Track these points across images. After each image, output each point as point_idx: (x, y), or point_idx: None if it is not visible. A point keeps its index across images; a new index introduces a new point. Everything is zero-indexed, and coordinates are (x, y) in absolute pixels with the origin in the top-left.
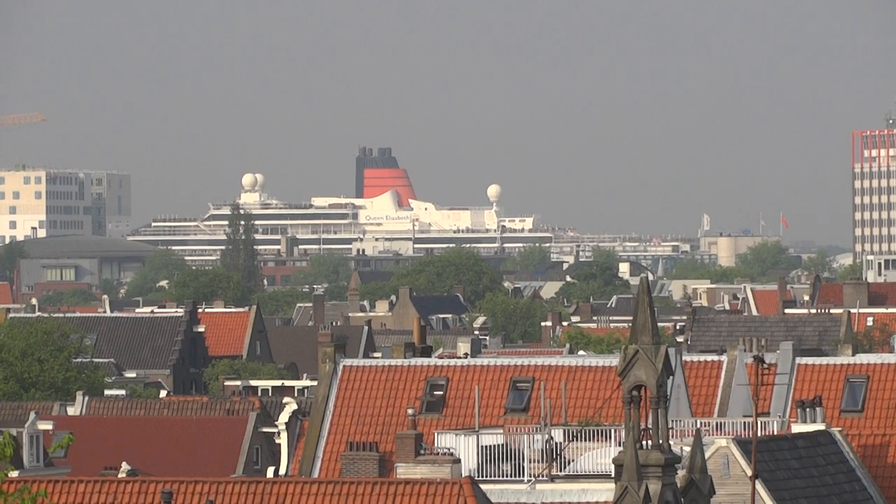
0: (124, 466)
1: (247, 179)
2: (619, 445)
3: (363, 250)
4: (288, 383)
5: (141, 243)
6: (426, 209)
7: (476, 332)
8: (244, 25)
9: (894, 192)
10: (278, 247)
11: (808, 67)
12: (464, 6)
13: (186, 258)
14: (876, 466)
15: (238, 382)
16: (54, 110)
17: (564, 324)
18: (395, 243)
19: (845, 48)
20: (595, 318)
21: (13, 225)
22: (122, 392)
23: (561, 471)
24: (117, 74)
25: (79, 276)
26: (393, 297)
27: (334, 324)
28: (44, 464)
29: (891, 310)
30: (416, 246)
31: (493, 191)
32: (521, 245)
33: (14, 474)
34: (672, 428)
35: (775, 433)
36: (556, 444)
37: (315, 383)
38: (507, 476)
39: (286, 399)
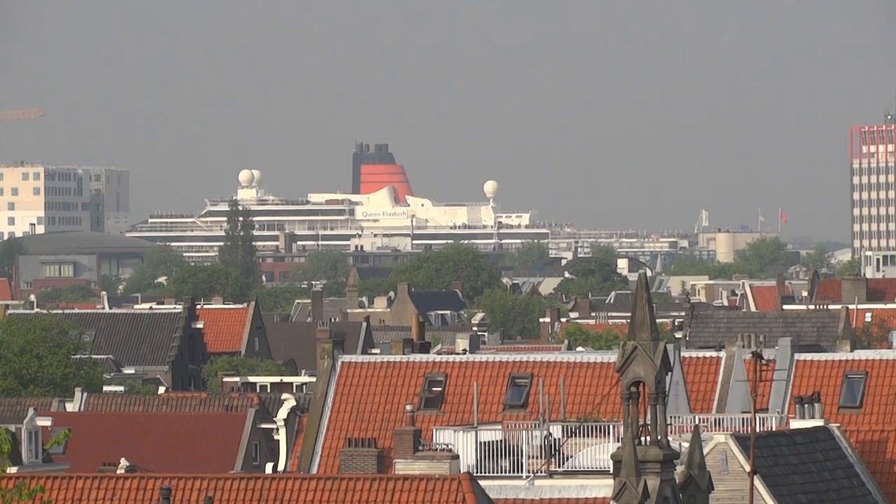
0: (123, 462)
1: (244, 176)
2: (618, 441)
3: (361, 246)
4: (286, 379)
5: (139, 239)
6: (423, 205)
7: (474, 329)
8: (241, 22)
9: (892, 187)
10: (277, 243)
11: (806, 63)
12: (461, 3)
13: (184, 254)
14: (874, 462)
15: (237, 379)
16: (53, 106)
17: (563, 320)
18: (393, 239)
19: (844, 44)
20: (593, 314)
21: (11, 221)
22: (121, 388)
23: (559, 467)
24: (115, 71)
25: (77, 273)
26: (391, 294)
27: (333, 320)
28: (42, 460)
29: (889, 305)
30: (414, 242)
31: (489, 187)
32: (517, 241)
33: (13, 470)
34: (670, 424)
35: (774, 429)
36: (555, 440)
37: (314, 379)
38: (505, 472)
39: (285, 395)
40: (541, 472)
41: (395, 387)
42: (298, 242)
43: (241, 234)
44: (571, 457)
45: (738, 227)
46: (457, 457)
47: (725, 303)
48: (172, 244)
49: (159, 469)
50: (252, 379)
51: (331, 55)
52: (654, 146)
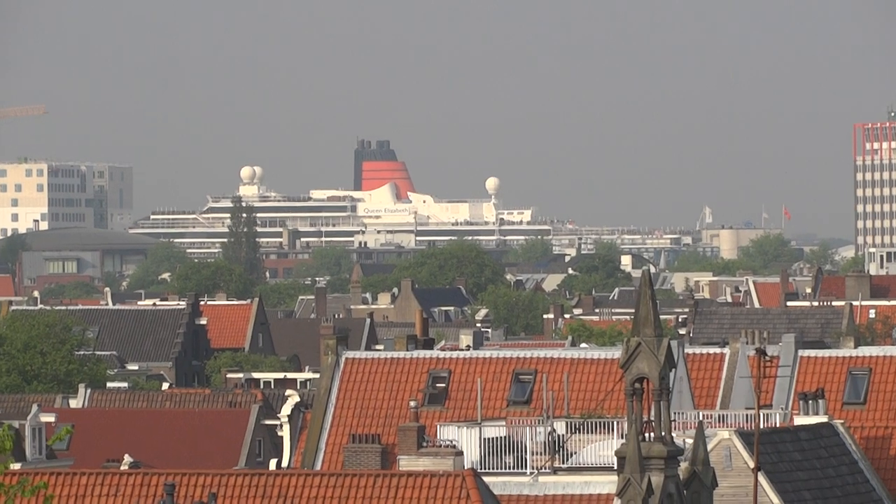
0: (127, 459)
1: (245, 172)
2: (622, 438)
3: (365, 243)
4: (290, 376)
5: (143, 236)
6: (424, 202)
7: (478, 325)
8: (243, 20)
9: None
10: (280, 240)
11: (810, 60)
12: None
13: (187, 251)
14: (878, 459)
15: (240, 375)
16: (56, 103)
17: (566, 316)
18: (396, 236)
19: (848, 41)
20: (597, 310)
21: (15, 217)
22: (125, 384)
23: (563, 463)
24: (118, 68)
25: (81, 269)
26: (395, 290)
27: (336, 316)
28: (46, 456)
29: (893, 302)
30: (418, 238)
31: (491, 183)
32: (518, 237)
33: (16, 467)
34: (674, 420)
35: (778, 425)
36: (559, 436)
37: (317, 376)
38: (509, 468)
39: (288, 391)
40: (545, 468)
41: (399, 383)
42: (302, 239)
43: (245, 230)
44: (575, 453)
45: (742, 223)
46: (461, 453)
47: (729, 299)
48: (176, 241)
49: (163, 465)
50: (256, 375)
51: (332, 52)
52: (656, 143)
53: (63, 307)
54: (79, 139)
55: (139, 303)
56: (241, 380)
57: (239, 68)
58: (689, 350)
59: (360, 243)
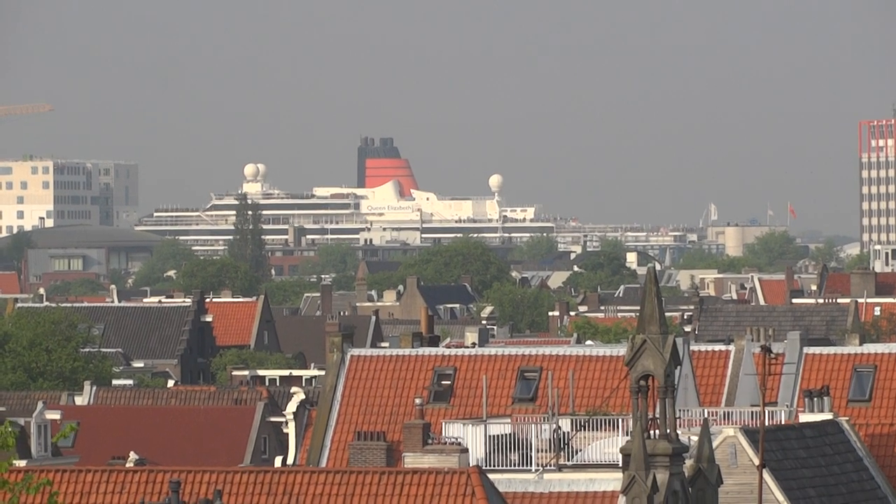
0: (132, 456)
1: (249, 170)
2: (627, 435)
3: (370, 240)
4: (296, 373)
5: (148, 233)
6: (428, 199)
7: (483, 322)
8: (247, 18)
9: None
10: (286, 237)
11: (815, 57)
12: None
13: (193, 248)
14: (883, 456)
15: (246, 372)
16: (61, 101)
17: (572, 313)
18: (402, 233)
19: (853, 38)
20: (602, 307)
21: (21, 215)
22: (130, 382)
23: (568, 460)
24: (123, 65)
25: (86, 266)
26: (400, 287)
27: (342, 313)
28: (51, 454)
29: None
30: (423, 236)
31: (494, 181)
32: (522, 235)
33: (22, 464)
34: (679, 417)
35: (783, 423)
36: (564, 433)
37: (323, 373)
38: (514, 465)
39: (294, 389)
40: (550, 465)
41: (405, 380)
42: (308, 236)
43: (251, 227)
44: (580, 450)
45: (748, 220)
46: (466, 450)
47: (734, 296)
48: (180, 238)
49: (168, 462)
50: (261, 372)
51: (336, 50)
52: (660, 141)
53: (68, 304)
54: (84, 137)
55: (145, 300)
56: (247, 377)
57: (243, 66)
58: (694, 347)
59: (365, 241)
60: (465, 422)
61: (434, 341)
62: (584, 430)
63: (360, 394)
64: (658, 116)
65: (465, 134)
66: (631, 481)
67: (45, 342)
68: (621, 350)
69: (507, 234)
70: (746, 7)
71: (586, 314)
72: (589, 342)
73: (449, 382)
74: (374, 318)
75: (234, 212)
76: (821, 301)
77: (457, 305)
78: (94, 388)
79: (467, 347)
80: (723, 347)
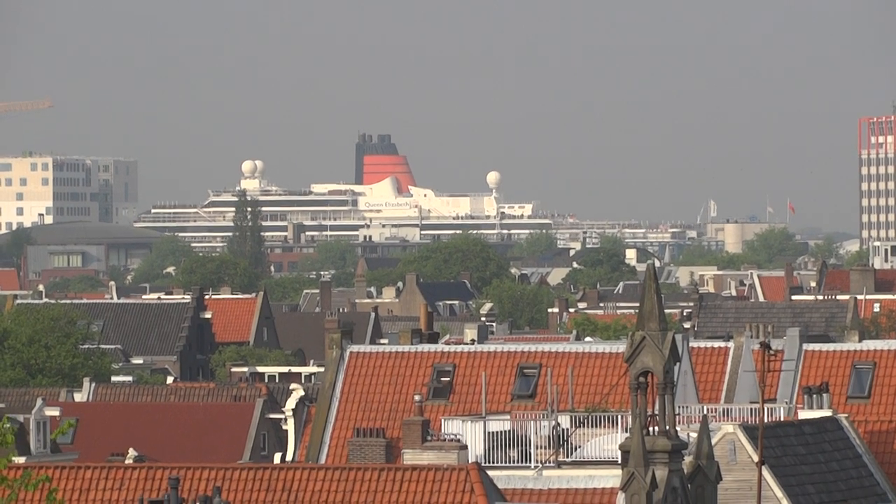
0: (131, 452)
1: (246, 166)
2: (626, 432)
3: (370, 237)
4: (295, 369)
5: (148, 230)
6: (425, 196)
7: (483, 319)
8: (244, 14)
9: None
10: (285, 233)
11: (815, 54)
12: None
13: (192, 245)
14: (882, 452)
15: (245, 369)
16: (61, 97)
17: (571, 310)
18: (401, 230)
19: (853, 35)
20: (602, 304)
21: (20, 211)
22: (129, 378)
23: (568, 457)
24: (122, 61)
25: (86, 263)
26: (400, 284)
27: (341, 310)
28: (50, 450)
29: None
30: (422, 233)
31: (492, 177)
32: (519, 232)
33: (21, 461)
34: (679, 414)
35: (782, 419)
36: (563, 430)
37: (322, 369)
38: (513, 462)
39: (293, 385)
40: (549, 462)
41: (404, 377)
42: (307, 233)
43: (250, 224)
44: (580, 447)
45: (747, 217)
46: (465, 447)
47: (734, 293)
48: (180, 234)
49: (167, 459)
50: (260, 369)
51: (333, 46)
52: (659, 137)
53: (68, 301)
54: (84, 133)
55: (144, 297)
56: (246, 374)
57: (241, 63)
58: (693, 344)
59: (364, 237)
60: (465, 418)
61: (433, 338)
62: (584, 426)
63: (359, 390)
64: (657, 113)
65: (463, 130)
66: (630, 478)
67: (44, 339)
68: (621, 347)
69: (504, 231)
70: (746, 4)
71: (586, 311)
72: (588, 339)
73: (448, 379)
74: (373, 314)
75: (231, 208)
76: (820, 298)
77: (456, 302)
78: (94, 384)
79: (466, 344)
80: (722, 344)
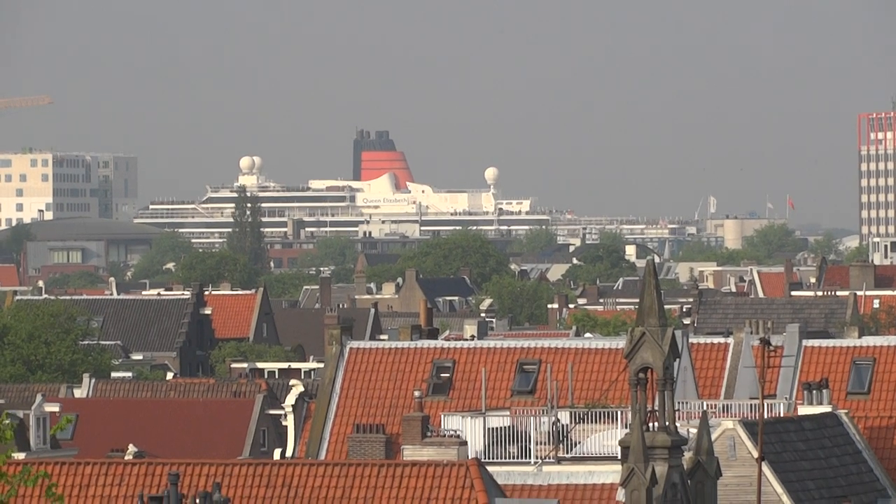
0: (131, 448)
1: (244, 162)
2: (626, 427)
3: (369, 233)
4: (294, 365)
5: (148, 226)
6: (423, 192)
7: (482, 315)
8: (243, 11)
9: None
10: (285, 229)
11: (814, 50)
12: None
13: (193, 241)
14: (882, 448)
15: (245, 365)
16: (61, 93)
17: (571, 306)
18: (401, 226)
19: (852, 31)
20: (601, 300)
21: (20, 207)
22: (129, 374)
23: (567, 453)
24: (122, 57)
25: (85, 259)
26: (399, 280)
27: (341, 306)
28: (50, 446)
29: None
30: (422, 228)
31: (490, 173)
32: (517, 228)
33: (20, 456)
34: (678, 410)
35: (782, 415)
36: (563, 426)
37: (322, 365)
38: (513, 458)
39: (293, 381)
40: (549, 458)
41: (403, 373)
42: (306, 229)
43: (250, 220)
44: (579, 443)
45: (747, 213)
46: (465, 443)
47: (733, 289)
48: (180, 230)
49: (167, 455)
50: (260, 365)
51: (331, 43)
52: (658, 134)
53: (68, 297)
54: (84, 129)
55: (144, 292)
56: (246, 370)
57: (239, 59)
58: (693, 340)
59: (364, 233)
60: (464, 414)
61: (433, 334)
62: (583, 422)
63: (358, 386)
64: (656, 109)
65: (461, 126)
66: (630, 474)
67: (44, 335)
68: (620, 342)
69: (502, 227)
70: (746, 2)
71: (585, 307)
72: (588, 335)
73: (448, 375)
74: (373, 310)
75: (229, 204)
76: (820, 294)
77: (456, 298)
78: (93, 380)
79: (466, 340)
80: (722, 340)
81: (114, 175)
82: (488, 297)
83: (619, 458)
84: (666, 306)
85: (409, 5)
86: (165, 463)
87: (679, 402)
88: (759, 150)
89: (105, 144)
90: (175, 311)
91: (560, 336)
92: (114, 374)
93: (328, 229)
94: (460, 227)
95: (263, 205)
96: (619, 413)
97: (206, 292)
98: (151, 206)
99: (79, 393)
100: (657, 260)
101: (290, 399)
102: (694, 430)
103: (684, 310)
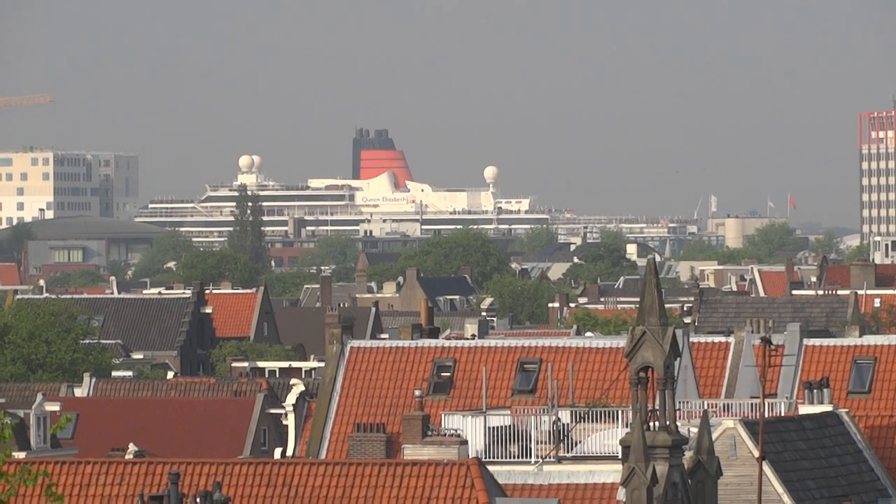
0: (131, 448)
1: (244, 161)
2: (627, 427)
3: (370, 232)
4: (295, 364)
5: (148, 225)
6: (423, 190)
7: (483, 314)
8: (243, 9)
9: None
10: (285, 228)
11: (815, 49)
12: None
13: (194, 240)
14: (883, 448)
15: (245, 364)
16: (62, 92)
17: (572, 305)
18: (402, 225)
19: (853, 29)
20: (602, 299)
21: (21, 206)
22: (130, 373)
23: (568, 452)
24: (123, 56)
25: (86, 258)
26: (400, 279)
27: (342, 305)
28: (51, 445)
29: None
30: (423, 227)
31: (489, 172)
32: (517, 227)
33: (21, 455)
34: (679, 409)
35: (782, 414)
36: (564, 425)
37: (322, 365)
38: (514, 457)
39: (293, 380)
40: (549, 457)
41: (404, 372)
42: (307, 228)
43: (250, 219)
44: (580, 442)
45: (748, 212)
46: (465, 442)
47: (734, 288)
48: (180, 229)
49: (168, 454)
50: (261, 364)
51: (331, 41)
52: (659, 133)
53: (68, 296)
54: (85, 128)
55: (144, 291)
56: (246, 369)
57: (239, 58)
58: (693, 339)
59: (365, 232)
60: (465, 413)
61: (434, 333)
62: (584, 421)
63: (359, 385)
64: (656, 109)
65: (460, 125)
66: (630, 473)
67: (44, 334)
68: (621, 342)
69: (501, 226)
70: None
71: (586, 306)
72: (589, 334)
73: (448, 374)
74: (373, 309)
75: (228, 203)
76: (821, 293)
77: (456, 297)
78: (94, 379)
79: (467, 339)
80: (723, 339)
81: (115, 174)
82: (489, 297)
83: (620, 457)
84: (667, 305)
85: (409, 4)
86: (166, 462)
87: (680, 402)
88: (760, 149)
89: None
90: (176, 310)
91: (561, 335)
92: (114, 374)
93: (329, 228)
94: (461, 227)
95: (263, 203)
96: (619, 412)
97: (207, 291)
98: (150, 205)
99: (79, 392)
100: (658, 259)
101: (291, 398)
102: (695, 430)
103: (685, 309)
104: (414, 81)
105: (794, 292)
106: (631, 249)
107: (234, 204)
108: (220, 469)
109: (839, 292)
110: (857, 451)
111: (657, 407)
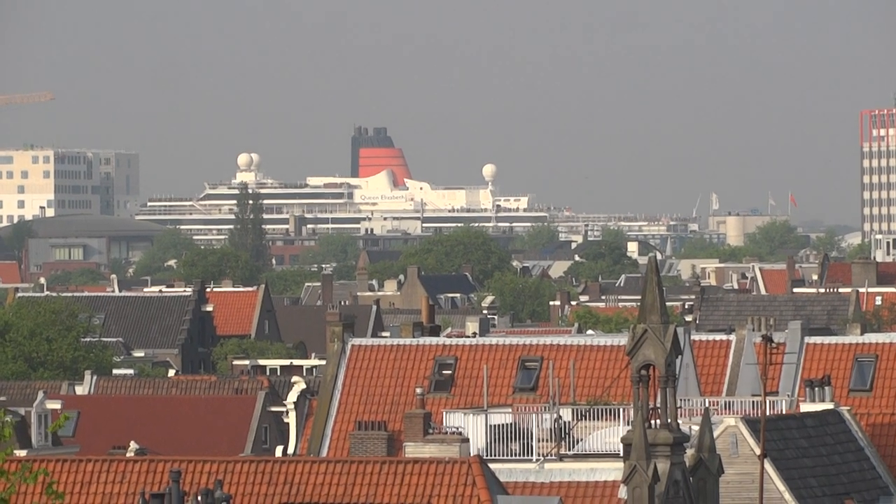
0: (133, 446)
1: (242, 159)
2: (628, 425)
3: (371, 230)
4: (296, 362)
5: (149, 223)
6: (421, 188)
7: (484, 312)
8: (242, 6)
9: None
10: (285, 226)
11: (817, 46)
12: None
13: (194, 238)
14: (884, 445)
15: (246, 362)
16: (63, 89)
17: (573, 303)
18: (403, 223)
19: (854, 27)
20: (603, 297)
21: (21, 204)
22: (131, 371)
23: (569, 450)
24: (124, 54)
25: (87, 256)
26: (401, 277)
27: (343, 303)
28: (52, 443)
29: None
30: (424, 225)
31: (488, 170)
32: (515, 225)
33: (22, 453)
34: (680, 407)
35: (784, 412)
36: (565, 423)
37: (323, 362)
38: (515, 455)
39: (294, 378)
40: (551, 455)
41: (405, 370)
42: (308, 226)
43: (251, 217)
44: (581, 440)
45: (749, 210)
46: (467, 440)
47: (735, 286)
48: (180, 227)
49: (169, 452)
50: (262, 362)
51: (329, 39)
52: (659, 130)
53: (69, 294)
54: (85, 126)
55: (145, 290)
56: (248, 367)
57: (238, 56)
58: (695, 337)
59: (366, 230)
60: (466, 411)
61: (435, 331)
62: (585, 419)
63: (360, 383)
64: (656, 106)
65: (458, 123)
66: (632, 471)
67: (45, 332)
68: (622, 339)
69: (501, 224)
70: None
71: (587, 304)
72: (590, 332)
73: (450, 372)
74: (374, 307)
75: (227, 201)
76: (822, 291)
77: (458, 295)
78: (95, 377)
79: (468, 337)
80: (724, 337)
81: (115, 172)
82: (490, 294)
83: (622, 455)
84: (668, 303)
85: (408, 3)
86: (167, 460)
87: (681, 400)
88: (760, 147)
89: (107, 141)
90: (177, 308)
91: (562, 333)
92: (115, 372)
93: (330, 226)
94: (461, 224)
95: (262, 201)
96: (621, 410)
97: (208, 289)
98: (150, 203)
99: (80, 390)
100: (659, 257)
101: (292, 396)
102: (696, 428)
103: (686, 307)
104: (412, 79)
105: (796, 290)
106: (632, 247)
107: (233, 202)
108: (221, 467)
109: (840, 290)
110: (858, 448)
111: (658, 405)
